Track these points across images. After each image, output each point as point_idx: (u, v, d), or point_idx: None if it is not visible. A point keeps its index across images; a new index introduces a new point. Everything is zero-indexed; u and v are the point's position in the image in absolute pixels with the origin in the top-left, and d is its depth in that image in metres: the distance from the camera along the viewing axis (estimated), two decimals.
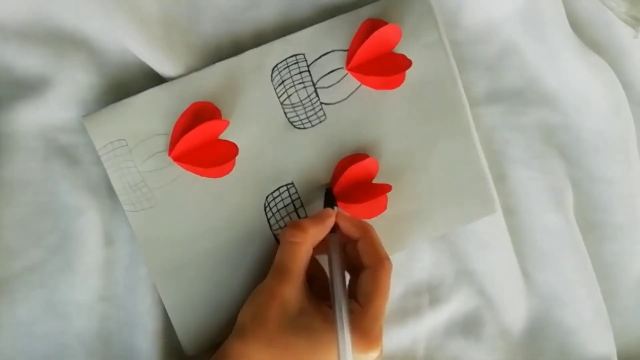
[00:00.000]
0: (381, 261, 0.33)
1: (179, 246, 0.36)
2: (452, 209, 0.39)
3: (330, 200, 0.36)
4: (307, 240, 0.33)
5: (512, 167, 0.41)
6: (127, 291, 0.37)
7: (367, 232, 0.34)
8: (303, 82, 0.37)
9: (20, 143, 0.36)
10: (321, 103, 0.38)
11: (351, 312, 0.32)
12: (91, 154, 0.36)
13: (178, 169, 0.36)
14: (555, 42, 0.40)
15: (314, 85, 0.38)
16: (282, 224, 0.37)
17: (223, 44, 0.38)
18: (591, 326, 0.41)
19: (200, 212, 0.36)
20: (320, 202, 0.37)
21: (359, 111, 0.38)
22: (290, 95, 0.37)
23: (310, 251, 0.33)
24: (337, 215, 0.35)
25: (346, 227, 0.35)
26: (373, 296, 0.33)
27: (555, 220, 0.41)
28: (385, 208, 0.38)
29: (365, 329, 0.32)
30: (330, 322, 0.32)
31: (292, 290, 0.32)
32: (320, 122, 0.38)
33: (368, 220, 0.37)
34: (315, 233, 0.34)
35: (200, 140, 0.35)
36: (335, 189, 0.37)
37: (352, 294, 0.34)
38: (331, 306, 0.32)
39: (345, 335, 0.31)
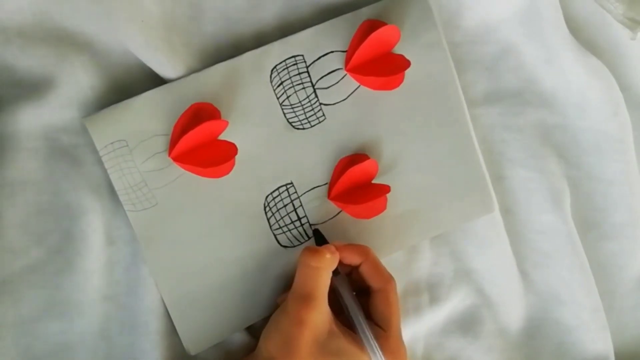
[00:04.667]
0: (388, 282, 0.35)
1: (180, 246, 0.36)
2: (450, 207, 0.39)
3: (321, 240, 0.37)
4: (327, 265, 0.33)
5: (510, 167, 0.42)
6: (128, 291, 0.37)
7: (367, 255, 0.35)
8: (302, 83, 0.38)
9: (22, 143, 0.35)
10: (320, 104, 0.38)
11: (377, 338, 0.34)
12: (92, 155, 0.36)
13: (178, 169, 0.36)
14: (553, 43, 0.41)
15: (313, 86, 0.38)
16: (282, 223, 0.38)
17: (223, 45, 0.38)
18: (589, 325, 0.41)
19: (201, 212, 0.37)
20: (319, 203, 0.38)
21: (358, 112, 0.38)
22: (290, 96, 0.38)
23: (330, 275, 0.34)
24: (337, 248, 0.35)
25: (347, 256, 0.35)
26: (391, 317, 0.35)
27: (553, 220, 0.41)
28: (384, 208, 0.38)
29: (393, 350, 0.34)
30: (358, 342, 0.33)
31: (319, 316, 0.32)
32: (320, 122, 0.38)
33: (368, 220, 0.38)
34: (332, 259, 0.34)
35: (199, 141, 0.35)
36: (335, 190, 0.37)
37: (367, 315, 0.35)
38: (356, 332, 0.34)
39: None
